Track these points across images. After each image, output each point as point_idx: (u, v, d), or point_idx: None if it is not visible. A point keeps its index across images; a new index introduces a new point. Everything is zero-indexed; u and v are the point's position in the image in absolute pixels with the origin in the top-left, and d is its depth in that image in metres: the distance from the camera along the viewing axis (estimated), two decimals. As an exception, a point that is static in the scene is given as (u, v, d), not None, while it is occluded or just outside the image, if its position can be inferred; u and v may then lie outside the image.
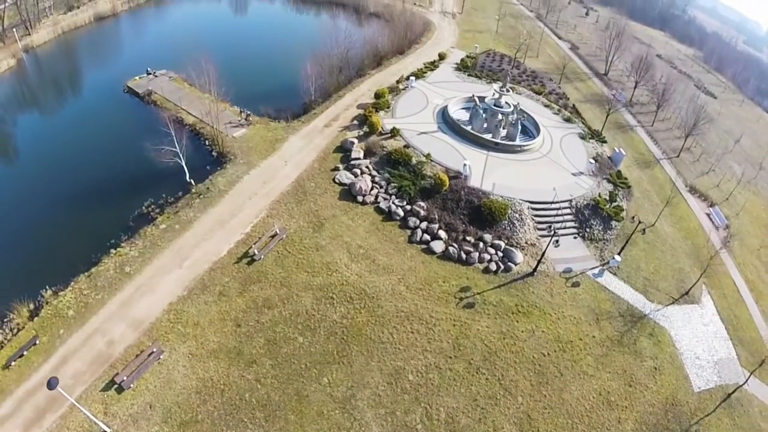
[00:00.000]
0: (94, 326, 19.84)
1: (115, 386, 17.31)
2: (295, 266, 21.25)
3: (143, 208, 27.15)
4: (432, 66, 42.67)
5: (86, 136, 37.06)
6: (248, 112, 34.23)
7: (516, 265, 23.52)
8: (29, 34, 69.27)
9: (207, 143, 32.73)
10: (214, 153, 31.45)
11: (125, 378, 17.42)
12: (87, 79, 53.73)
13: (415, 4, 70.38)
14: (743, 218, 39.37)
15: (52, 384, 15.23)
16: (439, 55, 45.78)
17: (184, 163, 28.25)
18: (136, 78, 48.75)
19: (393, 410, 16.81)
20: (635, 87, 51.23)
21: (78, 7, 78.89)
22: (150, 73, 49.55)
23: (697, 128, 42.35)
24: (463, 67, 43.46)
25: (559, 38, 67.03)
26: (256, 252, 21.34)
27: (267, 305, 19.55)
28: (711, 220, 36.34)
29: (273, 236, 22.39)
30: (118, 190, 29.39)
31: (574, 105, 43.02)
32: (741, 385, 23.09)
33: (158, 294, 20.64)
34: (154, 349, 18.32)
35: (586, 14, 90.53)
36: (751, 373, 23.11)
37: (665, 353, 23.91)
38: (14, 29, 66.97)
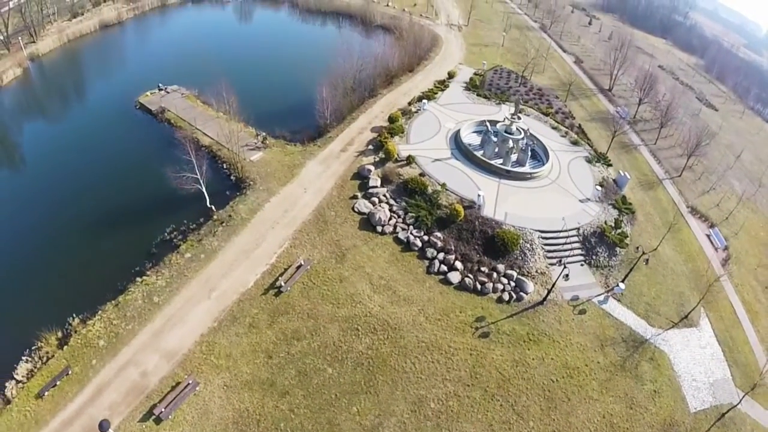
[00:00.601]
0: (126, 357, 21.04)
1: (153, 417, 18.61)
2: (321, 298, 22.76)
3: (165, 234, 28.26)
4: (442, 85, 44.11)
5: (103, 157, 37.65)
6: (264, 135, 35.56)
7: (527, 294, 25.13)
8: (34, 42, 69.59)
9: (225, 167, 33.83)
10: (232, 177, 32.61)
11: (163, 410, 18.72)
12: (97, 92, 53.94)
13: (421, 15, 71.43)
14: (742, 237, 41.09)
15: (104, 427, 16.35)
16: (449, 73, 47.17)
17: (204, 189, 29.29)
18: (148, 94, 49.17)
19: (419, 437, 18.51)
20: (639, 103, 52.84)
21: (82, 14, 79.13)
22: (161, 89, 50.11)
23: (699, 149, 44.14)
24: (472, 86, 44.95)
25: (564, 51, 68.39)
26: (282, 284, 22.75)
27: (296, 337, 21.02)
28: (711, 241, 38.13)
29: (298, 267, 23.80)
30: (138, 214, 30.33)
31: (580, 125, 44.56)
32: (734, 406, 24.78)
33: (189, 325, 21.95)
34: (190, 381, 19.63)
35: (589, 23, 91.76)
36: (743, 396, 24.93)
37: (664, 376, 25.59)
38: (19, 37, 67.16)
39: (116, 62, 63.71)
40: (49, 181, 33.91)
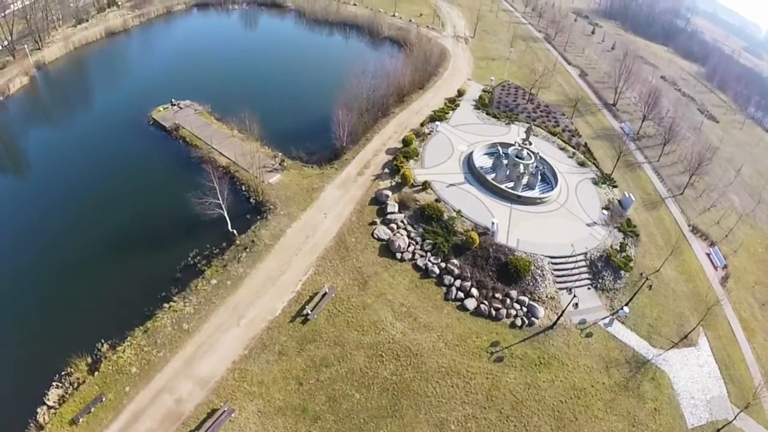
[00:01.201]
0: (160, 384, 22.10)
1: None
2: (346, 325, 24.35)
3: (189, 258, 29.20)
4: (453, 104, 45.62)
5: (121, 177, 37.87)
6: (282, 157, 36.87)
7: (538, 319, 26.82)
8: (39, 49, 69.75)
9: (243, 189, 34.90)
10: (252, 200, 33.78)
11: None
12: (108, 105, 53.72)
13: (428, 26, 72.58)
14: (741, 255, 42.80)
15: None
16: (458, 91, 48.72)
17: (226, 214, 30.16)
18: (160, 109, 49.68)
19: (442, 458, 20.15)
20: (643, 120, 54.48)
21: (87, 20, 79.38)
22: (174, 104, 50.85)
23: (701, 168, 45.86)
24: (481, 105, 46.49)
25: (569, 63, 69.84)
26: (309, 312, 24.30)
27: (324, 364, 22.56)
28: (711, 260, 39.90)
29: (323, 295, 25.34)
30: (160, 237, 31.13)
31: (586, 143, 46.19)
32: (729, 422, 26.60)
33: (220, 352, 23.22)
34: (225, 408, 20.91)
35: (593, 32, 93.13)
36: (738, 413, 26.75)
37: (664, 395, 27.31)
38: (25, 45, 67.22)
39: (125, 72, 63.48)
40: (68, 201, 34.47)
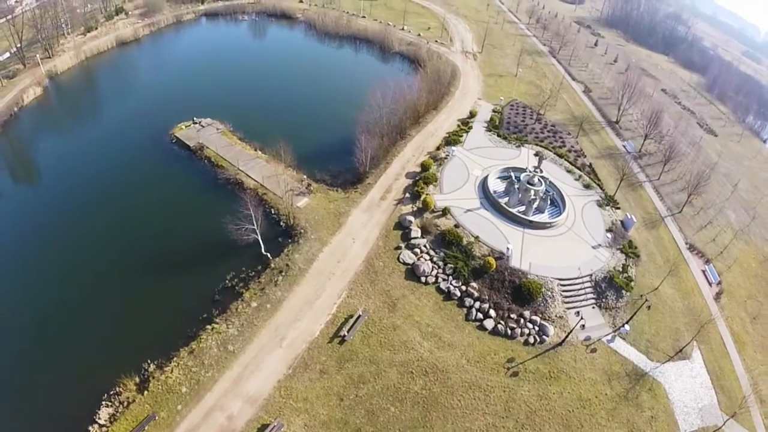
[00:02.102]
0: (210, 403, 24.70)
1: None
2: (379, 345, 27.58)
3: (227, 281, 31.75)
4: (465, 126, 48.87)
5: (152, 198, 40.02)
6: (309, 181, 39.69)
7: (548, 337, 30.11)
8: (50, 57, 71.51)
9: (273, 212, 37.67)
10: (282, 224, 36.60)
11: None
12: (127, 120, 55.18)
13: (437, 41, 75.41)
14: (735, 270, 46.05)
15: None
16: (470, 112, 51.92)
17: (260, 238, 32.75)
18: (182, 126, 51.86)
19: (467, 463, 23.34)
20: (645, 138, 57.72)
21: (96, 28, 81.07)
22: (196, 123, 53.17)
23: (699, 187, 49.11)
24: (492, 127, 49.77)
25: (573, 79, 72.95)
26: (346, 333, 27.48)
27: (361, 381, 25.77)
28: (706, 277, 43.26)
29: (357, 318, 28.56)
30: (196, 259, 33.51)
31: (590, 164, 49.43)
32: (719, 428, 30.09)
33: (265, 372, 26.11)
34: (275, 423, 23.72)
35: (595, 44, 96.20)
36: (726, 420, 30.09)
37: (660, 404, 30.58)
38: (37, 55, 68.72)
39: (140, 85, 65.46)
40: (103, 223, 36.46)
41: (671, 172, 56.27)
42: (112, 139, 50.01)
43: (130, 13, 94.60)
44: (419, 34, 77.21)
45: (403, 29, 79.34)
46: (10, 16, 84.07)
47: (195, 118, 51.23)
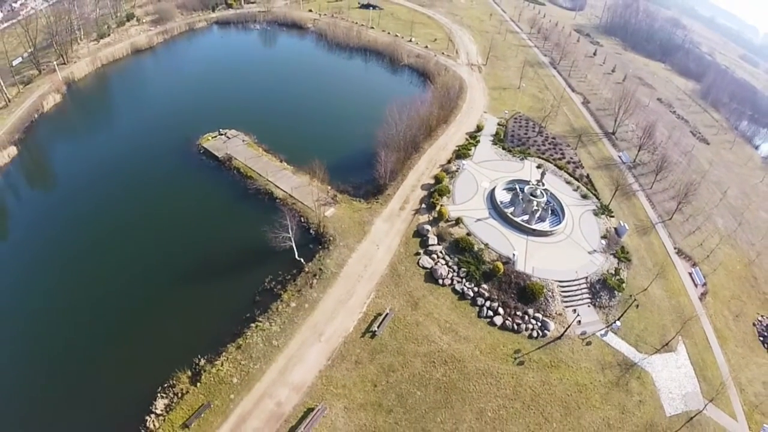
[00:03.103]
0: (260, 391, 29.04)
1: None
2: (405, 339, 32.49)
3: (265, 284, 36.23)
4: (473, 140, 53.92)
5: (188, 206, 44.22)
6: (334, 192, 44.32)
7: (549, 331, 35.13)
8: (65, 63, 74.64)
9: (303, 220, 42.14)
10: (312, 231, 41.22)
11: (302, 429, 26.83)
12: (151, 129, 58.31)
13: (443, 53, 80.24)
14: (720, 273, 51.12)
15: None
16: (477, 126, 57.02)
17: (294, 245, 37.39)
18: (209, 137, 55.90)
19: (483, 436, 28.25)
20: (639, 149, 62.84)
21: (108, 35, 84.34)
22: (222, 134, 57.44)
23: (688, 197, 54.12)
24: (498, 140, 54.86)
25: (573, 90, 78.22)
26: (376, 329, 32.34)
27: (391, 369, 30.66)
28: (692, 278, 48.35)
29: (385, 315, 33.43)
30: (235, 264, 37.74)
31: (588, 175, 54.49)
32: (700, 411, 34.96)
33: (308, 363, 30.73)
34: (320, 407, 28.28)
35: (594, 53, 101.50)
36: (707, 404, 35.04)
37: (647, 390, 35.50)
38: (54, 62, 71.32)
39: (160, 94, 68.50)
40: (145, 230, 40.44)
41: (663, 181, 61.38)
42: (141, 149, 53.42)
43: (141, 19, 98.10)
44: (426, 46, 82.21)
45: (410, 41, 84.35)
46: (14, 20, 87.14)
47: (221, 130, 55.48)
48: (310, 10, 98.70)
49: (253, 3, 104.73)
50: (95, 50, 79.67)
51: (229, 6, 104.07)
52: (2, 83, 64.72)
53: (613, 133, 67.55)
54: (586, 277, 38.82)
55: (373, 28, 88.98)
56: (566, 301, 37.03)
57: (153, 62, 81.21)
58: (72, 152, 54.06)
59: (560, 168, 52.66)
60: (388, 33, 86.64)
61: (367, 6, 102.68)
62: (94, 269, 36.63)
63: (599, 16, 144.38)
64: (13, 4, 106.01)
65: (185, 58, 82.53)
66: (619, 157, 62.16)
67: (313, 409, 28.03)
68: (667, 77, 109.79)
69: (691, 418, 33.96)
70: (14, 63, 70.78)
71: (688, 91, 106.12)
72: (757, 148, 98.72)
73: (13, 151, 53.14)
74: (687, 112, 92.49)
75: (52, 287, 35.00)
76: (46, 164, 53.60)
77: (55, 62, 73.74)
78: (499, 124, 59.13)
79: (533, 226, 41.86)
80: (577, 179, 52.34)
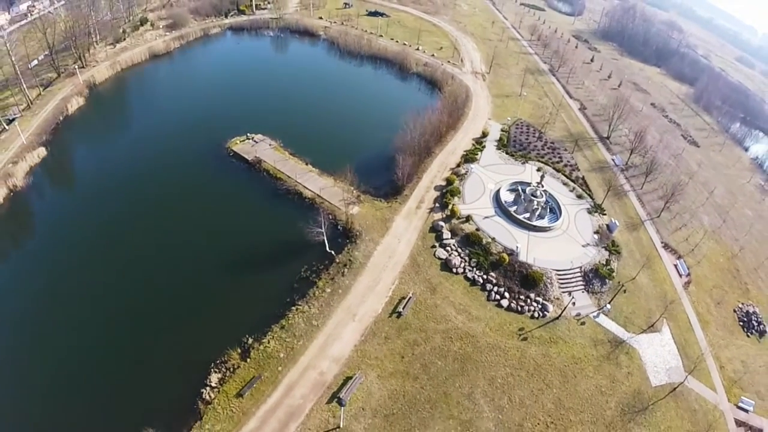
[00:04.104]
0: (305, 363, 34.86)
1: (336, 399, 32.41)
2: (426, 318, 38.75)
3: (301, 273, 42.44)
4: (479, 145, 60.41)
5: (226, 205, 49.53)
6: (358, 193, 50.10)
7: (548, 312, 41.45)
8: (83, 67, 78.98)
9: (331, 218, 48.00)
10: (339, 227, 47.28)
11: (343, 395, 32.64)
12: (179, 132, 62.96)
13: (449, 61, 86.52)
14: (704, 264, 57.45)
15: (342, 401, 30.69)
16: (483, 132, 63.43)
17: (325, 239, 43.73)
18: (237, 141, 61.69)
19: (493, 397, 34.65)
20: (631, 153, 69.25)
21: (124, 39, 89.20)
22: (249, 138, 63.18)
23: (674, 197, 60.45)
24: (501, 145, 61.36)
25: (570, 97, 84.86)
26: (401, 310, 38.56)
27: (415, 344, 36.86)
28: (677, 269, 54.68)
29: (408, 299, 39.72)
30: (274, 257, 43.85)
31: (583, 177, 60.91)
32: (681, 382, 41.03)
33: (344, 340, 36.75)
34: (357, 375, 34.20)
35: (592, 60, 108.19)
36: (686, 376, 41.13)
37: (635, 364, 41.59)
38: (75, 65, 75.47)
39: (182, 98, 73.01)
40: (190, 226, 45.96)
41: (653, 182, 67.80)
42: (172, 151, 58.02)
43: (155, 24, 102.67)
44: (433, 55, 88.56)
45: (418, 49, 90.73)
46: (24, 22, 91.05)
47: (248, 134, 60.99)
48: (320, 18, 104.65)
49: (264, 9, 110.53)
50: (113, 54, 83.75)
51: (241, 12, 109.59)
52: (24, 85, 68.95)
53: (608, 138, 74.06)
54: (581, 267, 45.23)
55: (381, 36, 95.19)
56: (563, 287, 43.42)
57: (172, 67, 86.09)
58: (102, 154, 58.60)
59: (558, 171, 59.09)
60: (397, 41, 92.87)
61: (374, 13, 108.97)
62: (148, 262, 42.25)
63: (597, 21, 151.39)
64: (21, 6, 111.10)
65: (203, 63, 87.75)
66: (613, 160, 68.62)
67: (351, 377, 34.07)
68: (662, 82, 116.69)
69: (674, 389, 39.99)
70: (30, 65, 73.71)
71: (681, 95, 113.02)
72: (746, 149, 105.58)
73: (42, 152, 57.49)
74: (679, 116, 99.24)
75: (111, 279, 40.24)
76: (77, 165, 58.16)
77: (75, 66, 77.12)
78: (502, 130, 65.59)
79: (534, 223, 48.33)
80: (573, 181, 58.74)
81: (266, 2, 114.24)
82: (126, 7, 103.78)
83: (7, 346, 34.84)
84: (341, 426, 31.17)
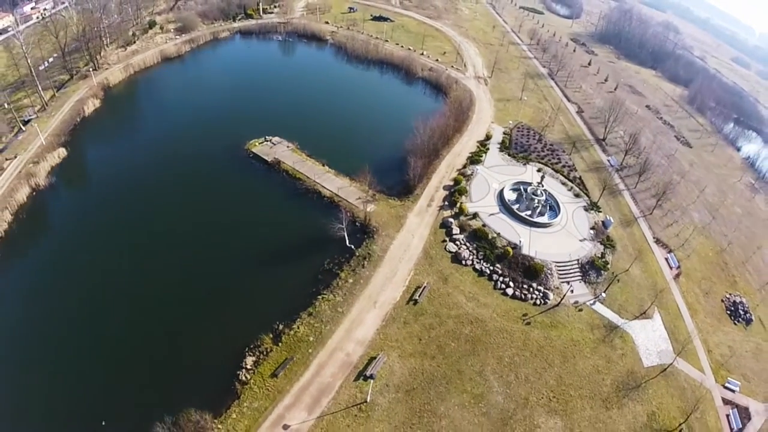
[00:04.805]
0: (332, 346, 39.74)
1: (363, 377, 37.39)
2: (439, 305, 43.68)
3: (325, 265, 47.36)
4: (483, 147, 65.44)
5: (250, 203, 53.98)
6: (373, 192, 54.75)
7: (549, 300, 46.37)
8: (96, 69, 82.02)
9: (349, 215, 52.28)
10: (357, 223, 52.05)
11: (369, 372, 37.44)
12: (198, 134, 66.87)
13: (453, 66, 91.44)
14: (693, 258, 62.63)
15: (373, 375, 35.42)
16: (486, 135, 68.42)
17: (346, 234, 48.59)
18: (255, 143, 66.33)
19: (501, 374, 39.57)
20: (625, 154, 74.40)
21: (134, 42, 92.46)
22: (267, 140, 67.49)
23: (665, 195, 65.58)
24: (504, 147, 66.36)
25: (569, 100, 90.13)
26: (417, 298, 43.46)
27: (431, 327, 41.81)
28: (668, 262, 59.75)
29: (423, 288, 44.60)
30: (298, 250, 48.68)
31: (580, 177, 65.99)
32: (671, 363, 45.95)
33: (367, 324, 41.75)
34: (380, 355, 39.14)
35: (589, 63, 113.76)
36: (675, 357, 45.98)
37: (628, 346, 46.55)
38: (89, 68, 79.29)
39: (197, 101, 76.30)
40: (218, 223, 50.62)
41: (646, 181, 73.01)
42: (193, 152, 62.10)
43: (164, 27, 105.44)
44: (437, 60, 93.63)
45: (423, 54, 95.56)
46: (29, 23, 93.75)
47: (267, 137, 65.48)
48: (327, 22, 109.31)
49: (271, 13, 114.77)
50: (125, 57, 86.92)
51: (249, 16, 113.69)
52: (39, 87, 71.66)
53: (604, 140, 79.27)
54: (578, 260, 50.27)
55: (387, 41, 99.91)
56: (562, 278, 48.43)
57: (184, 70, 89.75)
58: (122, 154, 62.34)
59: (557, 171, 64.18)
60: (402, 46, 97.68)
61: (379, 18, 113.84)
62: (180, 257, 46.96)
63: (595, 23, 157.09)
64: (25, 8, 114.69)
65: (215, 66, 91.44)
66: (608, 161, 73.79)
67: (375, 357, 38.96)
68: (657, 84, 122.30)
69: (665, 369, 44.86)
70: (40, 67, 76.34)
71: (675, 97, 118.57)
72: (738, 149, 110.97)
73: (62, 152, 61.46)
74: (673, 117, 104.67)
75: (150, 273, 45.00)
76: (99, 165, 61.39)
77: (89, 68, 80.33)
78: (504, 133, 70.72)
79: (535, 219, 53.38)
80: (571, 181, 63.80)
81: (273, 6, 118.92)
82: (134, 9, 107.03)
83: (59, 336, 39.13)
84: (368, 400, 35.98)
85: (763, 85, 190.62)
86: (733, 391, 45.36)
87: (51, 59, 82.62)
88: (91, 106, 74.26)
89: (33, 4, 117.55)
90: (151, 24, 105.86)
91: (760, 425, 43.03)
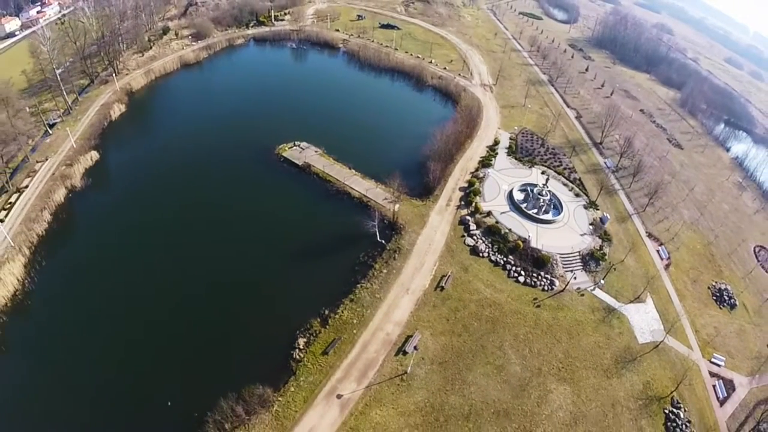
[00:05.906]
0: (374, 327, 47.77)
1: (402, 352, 45.34)
2: (462, 290, 51.83)
3: (360, 258, 55.38)
4: (493, 152, 73.95)
5: (288, 204, 61.00)
6: (398, 193, 62.42)
7: (555, 287, 54.77)
8: (116, 73, 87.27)
9: (378, 214, 59.94)
10: (385, 221, 60.01)
11: (408, 348, 45.51)
12: (227, 139, 72.75)
13: (460, 74, 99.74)
14: (682, 250, 71.38)
15: (416, 348, 43.62)
16: (495, 140, 76.86)
17: (377, 231, 56.51)
18: (285, 148, 73.66)
19: (518, 348, 47.89)
20: (621, 156, 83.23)
21: (150, 48, 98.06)
22: (296, 145, 74.42)
23: (657, 194, 74.34)
24: (511, 152, 74.88)
25: (568, 106, 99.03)
26: (444, 285, 51.52)
27: (456, 310, 50.01)
28: (659, 254, 68.47)
29: (448, 277, 52.78)
30: (335, 246, 56.52)
31: (580, 178, 74.64)
32: (662, 341, 54.33)
33: (402, 308, 49.79)
34: (416, 334, 47.09)
35: (586, 69, 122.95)
36: (665, 335, 54.37)
37: (624, 326, 54.98)
38: (113, 73, 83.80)
39: (221, 106, 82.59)
40: (263, 223, 57.68)
41: (640, 181, 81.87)
42: (224, 156, 68.71)
43: (179, 33, 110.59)
44: (445, 68, 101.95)
45: (431, 62, 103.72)
46: (36, 27, 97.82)
47: (296, 142, 72.81)
48: (337, 30, 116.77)
49: (282, 20, 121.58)
50: (144, 63, 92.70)
51: (261, 23, 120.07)
52: (63, 91, 76.26)
53: (600, 143, 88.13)
54: (579, 251, 58.98)
55: (396, 49, 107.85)
56: (566, 267, 57.12)
57: (204, 76, 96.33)
58: (154, 156, 68.23)
59: (559, 173, 72.83)
60: (411, 54, 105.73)
61: (387, 26, 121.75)
62: (226, 254, 54.03)
63: (591, 28, 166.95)
64: (31, 12, 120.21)
65: (234, 72, 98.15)
66: (605, 163, 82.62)
67: (411, 336, 46.94)
68: (651, 88, 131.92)
69: (657, 345, 53.21)
70: (58, 71, 79.72)
71: (668, 100, 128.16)
72: (728, 150, 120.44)
73: (95, 155, 67.04)
74: (666, 120, 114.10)
75: (204, 270, 51.91)
76: (132, 168, 66.99)
77: (109, 73, 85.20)
78: (510, 139, 79.30)
79: (541, 217, 61.94)
80: (571, 182, 72.47)
81: (284, 14, 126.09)
82: (148, 15, 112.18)
83: (114, 329, 44.97)
84: (408, 372, 43.89)
85: (755, 85, 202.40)
86: (718, 365, 53.19)
87: (67, 63, 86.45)
88: (117, 110, 79.65)
89: (39, 8, 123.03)
90: (165, 30, 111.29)
91: (743, 395, 50.98)
